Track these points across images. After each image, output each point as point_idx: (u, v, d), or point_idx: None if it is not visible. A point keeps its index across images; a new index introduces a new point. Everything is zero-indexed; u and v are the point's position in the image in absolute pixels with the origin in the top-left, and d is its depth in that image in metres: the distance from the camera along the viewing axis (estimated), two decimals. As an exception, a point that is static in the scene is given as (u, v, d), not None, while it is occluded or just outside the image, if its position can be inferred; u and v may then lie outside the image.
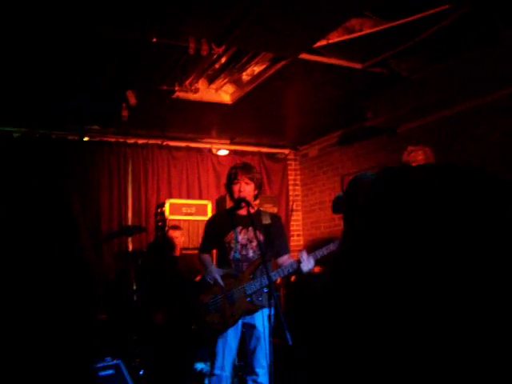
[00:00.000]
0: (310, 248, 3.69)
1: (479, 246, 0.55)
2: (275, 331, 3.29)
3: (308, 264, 3.62)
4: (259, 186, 3.95)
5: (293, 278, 6.48)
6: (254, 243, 3.84)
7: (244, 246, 3.86)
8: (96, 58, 4.42)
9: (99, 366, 3.70)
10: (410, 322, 0.57)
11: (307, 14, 3.67)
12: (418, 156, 4.07)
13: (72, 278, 0.88)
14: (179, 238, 6.11)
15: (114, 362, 3.86)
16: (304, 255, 3.63)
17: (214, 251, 4.31)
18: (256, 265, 3.78)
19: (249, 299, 3.73)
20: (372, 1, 3.81)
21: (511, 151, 4.78)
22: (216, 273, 3.79)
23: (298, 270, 3.65)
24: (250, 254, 3.86)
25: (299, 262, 3.63)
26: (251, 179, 3.86)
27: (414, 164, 4.00)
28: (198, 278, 5.49)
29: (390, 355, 0.57)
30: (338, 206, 3.57)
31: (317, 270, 3.86)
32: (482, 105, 5.13)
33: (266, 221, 3.82)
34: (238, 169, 3.90)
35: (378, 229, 0.62)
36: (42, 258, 0.83)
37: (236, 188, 3.85)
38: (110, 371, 3.78)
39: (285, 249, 3.98)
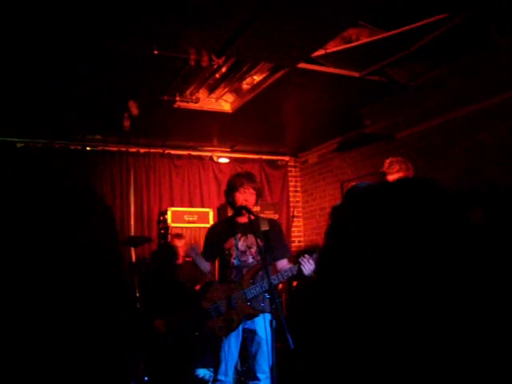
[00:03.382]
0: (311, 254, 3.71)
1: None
2: (277, 335, 3.33)
3: (309, 266, 3.58)
4: (260, 194, 4.06)
5: (294, 283, 6.53)
6: (253, 249, 3.90)
7: (243, 252, 3.93)
8: (98, 69, 4.49)
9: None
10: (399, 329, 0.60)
11: (305, 25, 3.74)
12: (395, 167, 4.12)
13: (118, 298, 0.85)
14: (182, 246, 6.17)
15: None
16: (304, 259, 3.64)
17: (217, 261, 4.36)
18: (255, 270, 3.84)
19: (249, 304, 3.78)
20: (368, 12, 3.88)
21: (508, 156, 4.84)
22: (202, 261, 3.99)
23: (299, 274, 3.66)
24: (250, 259, 3.92)
25: (300, 265, 3.61)
26: (255, 189, 3.96)
27: (392, 174, 4.08)
28: (197, 287, 5.53)
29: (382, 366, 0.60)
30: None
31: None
32: (478, 110, 5.20)
33: (265, 227, 3.88)
34: (244, 178, 3.96)
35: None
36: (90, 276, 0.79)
37: (241, 197, 3.91)
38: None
39: (283, 254, 4.00)
